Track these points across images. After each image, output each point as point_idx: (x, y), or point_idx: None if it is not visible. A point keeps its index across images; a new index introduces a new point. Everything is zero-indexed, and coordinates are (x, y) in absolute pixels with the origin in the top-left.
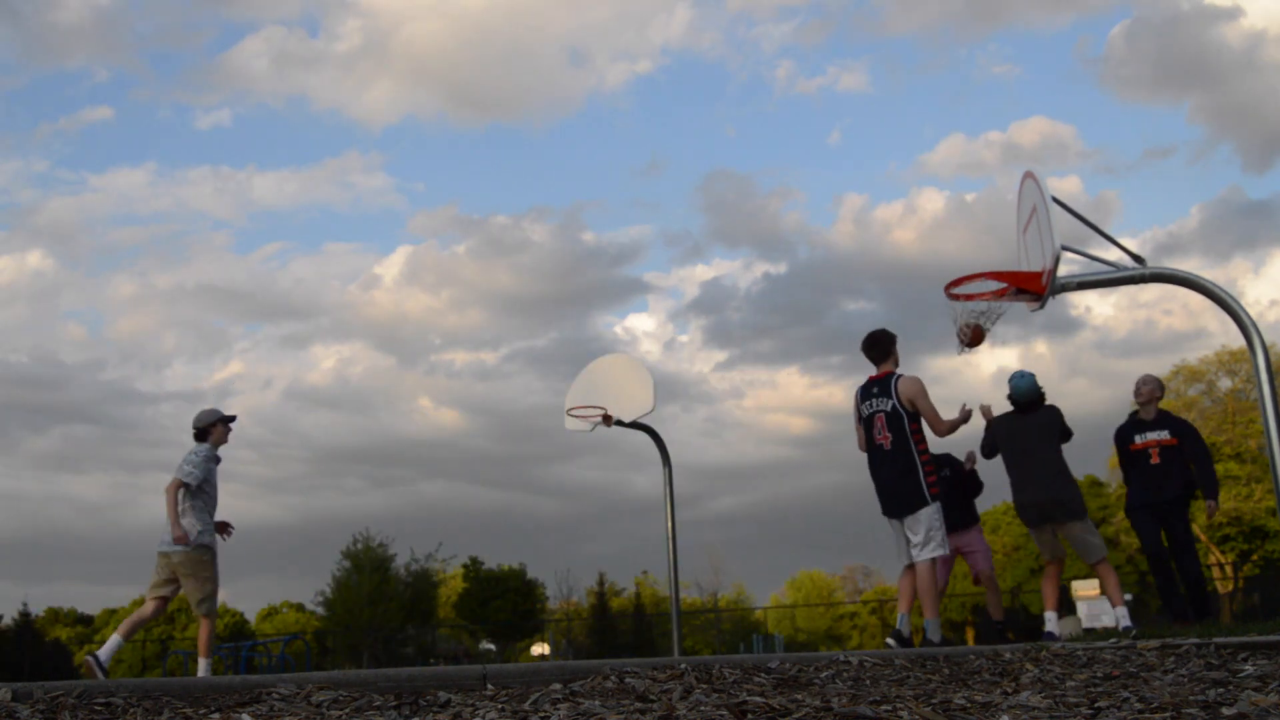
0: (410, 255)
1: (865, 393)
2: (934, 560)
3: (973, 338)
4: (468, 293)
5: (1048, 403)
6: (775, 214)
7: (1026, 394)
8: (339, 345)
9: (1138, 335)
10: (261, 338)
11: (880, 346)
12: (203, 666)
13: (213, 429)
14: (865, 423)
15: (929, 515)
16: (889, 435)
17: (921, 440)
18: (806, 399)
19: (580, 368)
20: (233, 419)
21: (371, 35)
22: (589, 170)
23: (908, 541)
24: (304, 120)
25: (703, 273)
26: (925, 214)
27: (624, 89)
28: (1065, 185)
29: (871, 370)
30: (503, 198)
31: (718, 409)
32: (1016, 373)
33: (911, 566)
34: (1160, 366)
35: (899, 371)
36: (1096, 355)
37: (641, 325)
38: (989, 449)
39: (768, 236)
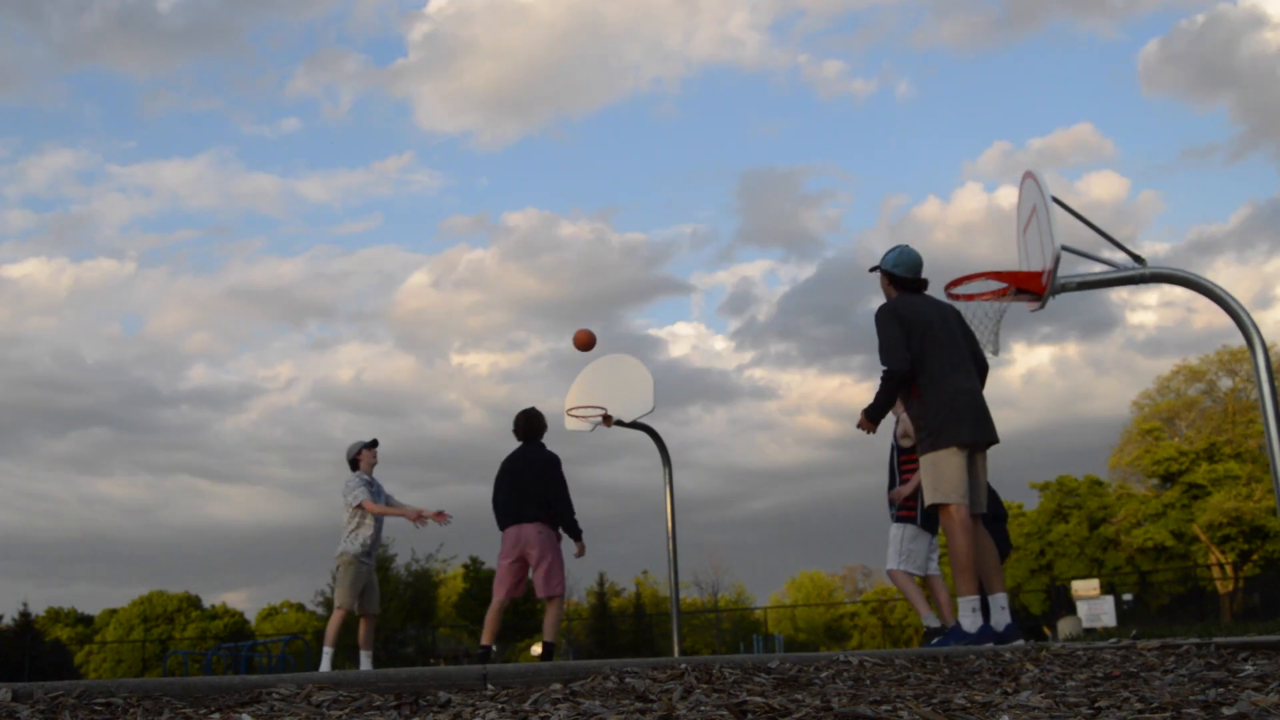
0: (442, 258)
1: None
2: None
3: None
4: (496, 294)
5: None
6: (810, 215)
7: (916, 267)
8: (368, 347)
9: (1169, 333)
10: (291, 339)
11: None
12: (326, 656)
13: (360, 456)
14: None
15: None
16: None
17: None
18: (833, 400)
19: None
20: (374, 443)
21: (417, 39)
22: (624, 170)
23: None
24: (353, 122)
25: (735, 273)
26: (963, 217)
27: (662, 90)
28: (1107, 187)
29: None
30: (536, 198)
31: (749, 409)
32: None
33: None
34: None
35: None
36: (1128, 354)
37: (672, 326)
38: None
39: (801, 237)
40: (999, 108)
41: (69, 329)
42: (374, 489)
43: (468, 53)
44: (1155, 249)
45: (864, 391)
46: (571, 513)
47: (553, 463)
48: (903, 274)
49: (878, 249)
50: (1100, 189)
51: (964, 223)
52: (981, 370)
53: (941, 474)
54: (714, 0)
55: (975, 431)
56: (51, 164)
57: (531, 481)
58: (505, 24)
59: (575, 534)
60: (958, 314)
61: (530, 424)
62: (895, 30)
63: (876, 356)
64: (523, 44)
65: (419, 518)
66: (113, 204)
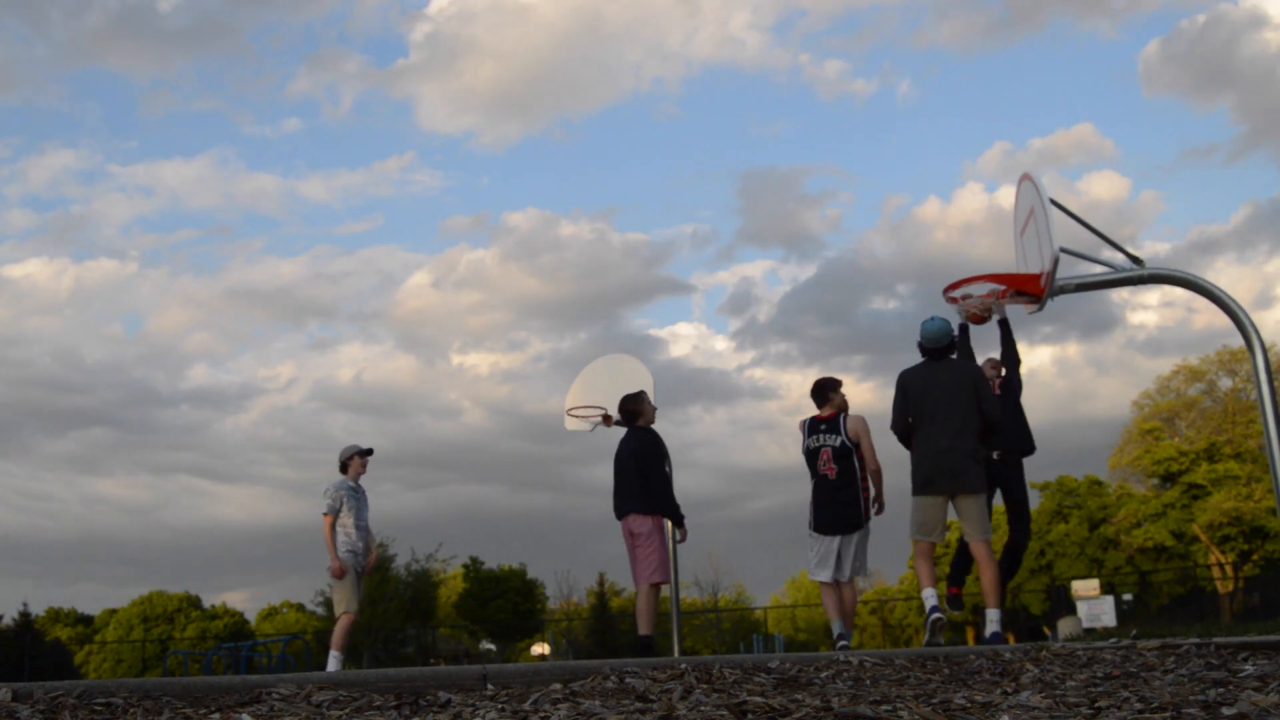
0: (442, 258)
1: (813, 428)
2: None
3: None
4: (497, 294)
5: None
6: (811, 215)
7: (937, 337)
8: (368, 347)
9: (1169, 333)
10: (292, 339)
11: (822, 392)
12: (334, 660)
13: (350, 462)
14: (810, 455)
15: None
16: (834, 467)
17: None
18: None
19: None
20: (369, 452)
21: (418, 39)
22: (625, 171)
23: (839, 559)
24: (353, 122)
25: (736, 273)
26: (963, 217)
27: (663, 90)
28: (1108, 187)
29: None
30: (536, 198)
31: (749, 409)
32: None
33: (839, 584)
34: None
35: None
36: (1128, 354)
37: (673, 326)
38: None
39: (802, 237)
40: (1000, 108)
41: (70, 329)
42: (359, 497)
43: (468, 53)
44: (1156, 249)
45: (865, 391)
46: (663, 497)
47: (645, 447)
48: (922, 343)
49: (879, 249)
50: (1101, 189)
51: (965, 223)
52: (990, 426)
53: (911, 516)
54: (715, 0)
55: (931, 485)
56: (52, 164)
57: (624, 471)
58: (506, 24)
59: (673, 519)
60: (970, 376)
61: (624, 408)
62: (896, 30)
63: (878, 356)
64: (524, 44)
65: (339, 573)
66: (113, 204)
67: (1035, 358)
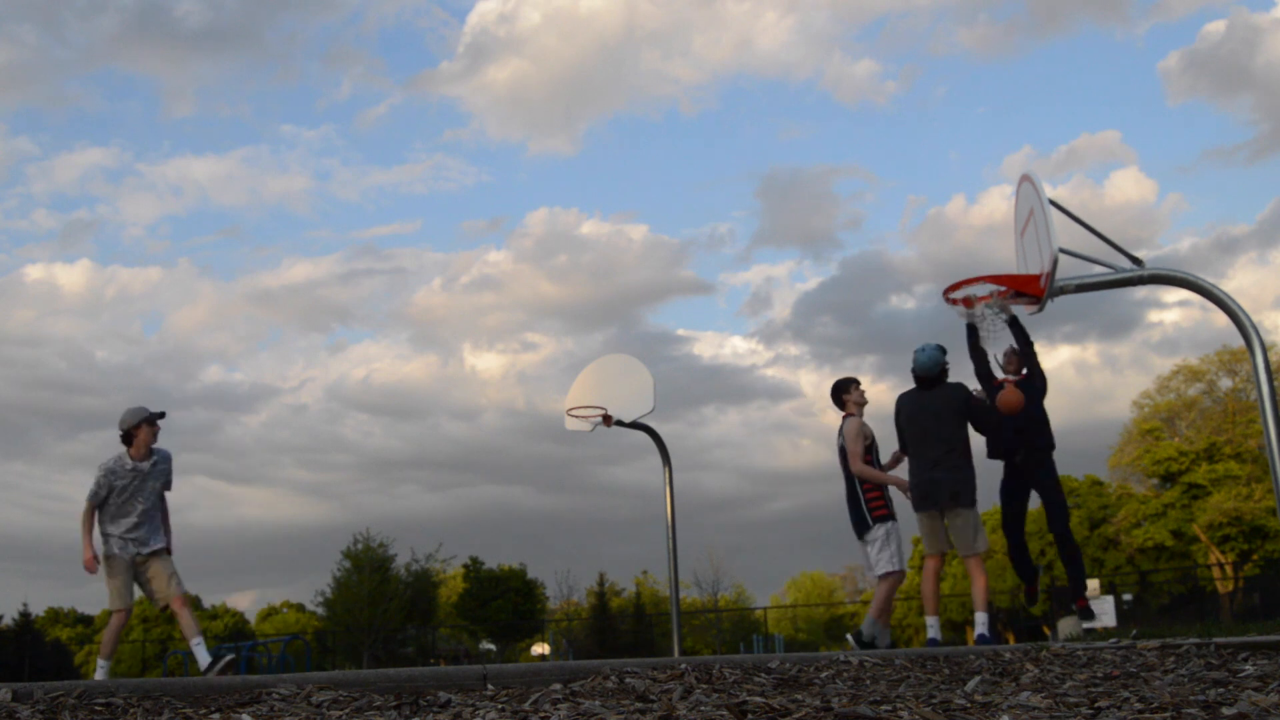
0: (461, 259)
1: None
2: (887, 574)
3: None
4: (515, 295)
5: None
6: (834, 217)
7: (927, 368)
8: (385, 347)
9: (1186, 334)
10: (311, 340)
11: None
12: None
13: (138, 431)
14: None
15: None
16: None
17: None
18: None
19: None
20: (161, 415)
21: (450, 43)
22: (646, 172)
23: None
24: (381, 125)
25: (758, 273)
26: (987, 220)
27: (687, 93)
28: (1135, 188)
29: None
30: (556, 199)
31: (769, 410)
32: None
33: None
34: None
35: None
36: (1146, 353)
37: (694, 326)
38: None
39: (824, 238)
40: (1025, 112)
41: (90, 330)
42: (143, 473)
43: (495, 58)
44: (1179, 248)
45: (882, 392)
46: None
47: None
48: (914, 371)
49: (900, 250)
50: (1128, 190)
51: (988, 226)
52: (992, 429)
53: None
54: (739, 4)
55: (925, 502)
56: (79, 162)
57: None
58: (533, 30)
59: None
60: (959, 400)
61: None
62: (922, 34)
63: (891, 357)
64: (550, 49)
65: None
66: (139, 204)
67: (1055, 357)
